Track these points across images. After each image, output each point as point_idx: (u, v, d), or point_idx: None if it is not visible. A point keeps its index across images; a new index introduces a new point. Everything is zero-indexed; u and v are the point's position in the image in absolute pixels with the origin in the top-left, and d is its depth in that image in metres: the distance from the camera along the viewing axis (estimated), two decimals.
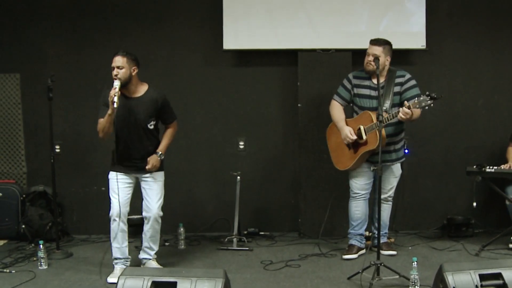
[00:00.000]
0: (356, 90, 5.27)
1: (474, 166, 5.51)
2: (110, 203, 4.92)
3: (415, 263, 4.37)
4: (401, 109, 4.80)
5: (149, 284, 3.56)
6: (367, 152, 5.12)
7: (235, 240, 5.86)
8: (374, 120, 4.93)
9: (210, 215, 6.45)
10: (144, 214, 5.06)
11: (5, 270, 5.06)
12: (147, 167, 4.90)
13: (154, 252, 5.12)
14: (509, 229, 5.55)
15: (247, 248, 5.80)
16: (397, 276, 4.57)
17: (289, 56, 6.22)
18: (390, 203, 5.50)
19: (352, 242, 5.45)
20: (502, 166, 5.58)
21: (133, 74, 4.83)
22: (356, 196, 5.39)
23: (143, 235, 5.09)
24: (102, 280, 4.84)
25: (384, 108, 4.99)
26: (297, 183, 6.33)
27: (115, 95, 4.60)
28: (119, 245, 4.93)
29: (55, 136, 5.79)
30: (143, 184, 5.03)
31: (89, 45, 6.34)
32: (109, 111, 4.66)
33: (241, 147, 6.45)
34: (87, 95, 6.15)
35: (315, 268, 5.15)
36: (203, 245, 6.02)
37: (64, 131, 6.37)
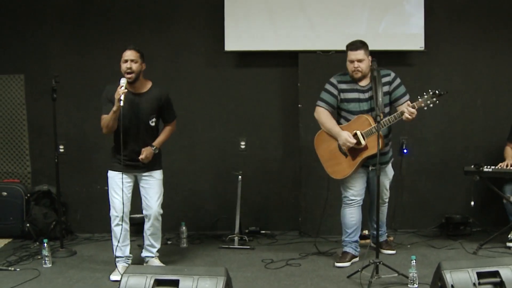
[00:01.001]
0: (343, 95, 5.06)
1: (472, 166, 5.50)
2: (110, 201, 4.94)
3: (414, 261, 4.41)
4: (405, 109, 4.68)
5: (152, 282, 3.51)
6: (367, 157, 4.95)
7: (236, 238, 5.87)
8: (373, 123, 4.81)
9: (211, 214, 6.46)
10: (144, 212, 5.06)
11: (10, 268, 5.07)
12: (140, 157, 4.87)
13: (156, 250, 5.13)
14: (506, 227, 5.54)
15: (248, 247, 5.81)
16: (396, 274, 4.58)
17: (290, 58, 6.24)
18: (386, 204, 5.44)
19: (347, 249, 5.22)
20: (499, 166, 5.57)
21: (142, 70, 4.87)
22: (351, 203, 5.16)
23: (144, 234, 5.10)
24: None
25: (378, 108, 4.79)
26: (297, 182, 6.35)
27: (122, 93, 4.62)
28: (121, 244, 4.94)
29: (59, 136, 5.83)
30: (142, 183, 5.02)
31: (92, 46, 6.37)
32: (114, 108, 4.67)
33: (242, 147, 6.47)
34: (90, 95, 6.14)
35: (315, 266, 5.15)
36: (205, 244, 6.03)
37: (68, 131, 6.39)
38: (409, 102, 4.75)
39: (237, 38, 6.16)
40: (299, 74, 6.21)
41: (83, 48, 6.39)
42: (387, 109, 5.00)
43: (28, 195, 6.27)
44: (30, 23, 6.39)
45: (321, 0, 6.14)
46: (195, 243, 6.06)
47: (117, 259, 4.97)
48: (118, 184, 4.89)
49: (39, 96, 6.34)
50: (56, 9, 6.38)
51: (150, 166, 4.97)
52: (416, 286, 4.41)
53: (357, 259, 5.21)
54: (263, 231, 6.34)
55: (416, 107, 4.67)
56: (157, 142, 5.02)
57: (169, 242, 6.03)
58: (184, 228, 5.97)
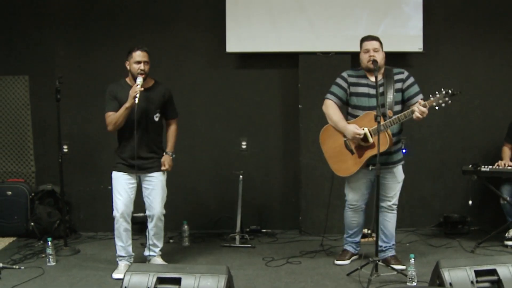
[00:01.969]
0: (352, 89, 4.86)
1: (470, 166, 5.51)
2: (114, 202, 4.95)
3: (413, 259, 4.41)
4: (416, 107, 4.45)
5: (154, 280, 3.54)
6: (374, 156, 4.61)
7: (237, 237, 5.89)
8: (382, 121, 4.54)
9: (213, 213, 6.49)
10: (147, 213, 5.08)
11: (14, 267, 5.08)
12: (163, 168, 4.99)
13: (159, 249, 5.14)
14: (503, 226, 5.57)
15: (249, 245, 5.83)
16: (395, 272, 4.61)
17: (290, 59, 6.26)
18: (395, 212, 5.04)
19: (347, 247, 5.21)
20: (496, 165, 5.57)
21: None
22: (353, 208, 5.07)
23: (147, 233, 5.10)
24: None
25: (388, 106, 4.70)
26: (297, 182, 6.36)
27: (139, 91, 4.69)
28: (123, 243, 4.97)
29: (63, 136, 5.85)
30: (145, 184, 5.03)
31: (96, 47, 6.40)
32: (127, 104, 4.72)
33: (244, 147, 6.50)
34: (94, 96, 6.15)
35: (315, 264, 5.16)
36: (206, 242, 6.05)
37: (71, 132, 6.40)
38: (420, 100, 4.51)
39: (238, 39, 6.19)
40: (300, 75, 6.23)
41: (86, 49, 6.42)
42: (399, 107, 4.80)
43: (32, 194, 6.29)
44: (34, 25, 6.42)
45: (321, 3, 6.17)
46: (197, 242, 6.07)
47: (119, 258, 5.00)
48: (122, 185, 4.91)
49: (43, 97, 6.37)
50: (60, 11, 6.41)
51: (153, 167, 5.00)
52: (415, 284, 4.38)
53: (356, 256, 5.19)
54: (264, 230, 6.36)
55: (428, 106, 4.43)
56: (170, 147, 5.11)
57: (171, 241, 6.04)
58: (186, 227, 5.98)
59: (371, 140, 4.69)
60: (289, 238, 6.17)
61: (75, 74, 6.37)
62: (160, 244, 5.16)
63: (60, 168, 5.70)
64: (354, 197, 5.03)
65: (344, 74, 4.94)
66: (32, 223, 6.09)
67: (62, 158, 5.71)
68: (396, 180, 4.96)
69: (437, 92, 4.46)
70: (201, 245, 5.97)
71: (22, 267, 5.11)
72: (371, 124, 4.67)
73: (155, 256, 5.15)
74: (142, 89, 4.75)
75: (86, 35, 6.42)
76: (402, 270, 4.71)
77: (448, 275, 3.56)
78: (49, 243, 5.25)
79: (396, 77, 4.84)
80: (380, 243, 4.91)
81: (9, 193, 6.22)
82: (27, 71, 6.49)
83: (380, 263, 4.59)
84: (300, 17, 6.19)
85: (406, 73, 4.89)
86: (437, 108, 4.47)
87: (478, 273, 3.58)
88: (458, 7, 6.32)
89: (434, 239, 5.96)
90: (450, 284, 3.52)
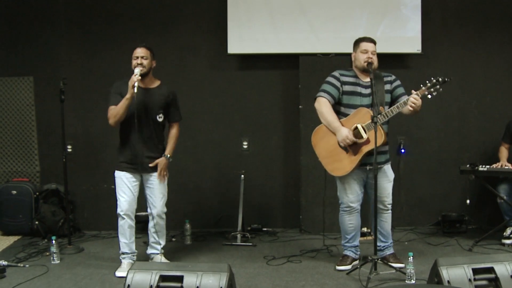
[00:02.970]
0: (344, 88, 4.84)
1: (468, 165, 5.55)
2: (118, 201, 4.98)
3: (411, 258, 4.45)
4: (410, 97, 4.49)
5: (157, 277, 3.55)
6: (368, 153, 4.67)
7: (239, 236, 5.93)
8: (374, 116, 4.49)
9: (215, 212, 6.52)
10: (149, 211, 5.10)
11: (19, 265, 5.11)
12: (157, 176, 5.00)
13: (161, 247, 5.17)
14: (501, 225, 5.60)
15: (250, 244, 5.87)
16: (394, 271, 4.65)
17: (291, 60, 6.29)
18: (390, 211, 5.08)
19: (347, 252, 5.09)
20: (494, 165, 5.62)
21: (152, 66, 4.98)
22: (349, 210, 5.00)
23: (149, 231, 5.15)
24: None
25: (380, 103, 4.68)
26: (298, 181, 6.39)
27: (136, 80, 4.73)
28: (127, 240, 4.99)
29: (67, 136, 5.86)
30: (147, 183, 5.06)
31: (100, 49, 6.44)
32: (128, 95, 4.75)
33: (245, 147, 6.53)
34: (98, 97, 6.20)
35: (316, 263, 5.19)
36: (208, 241, 6.08)
37: (75, 132, 6.44)
38: (413, 90, 4.52)
39: (240, 41, 6.23)
40: (300, 76, 6.26)
41: (90, 51, 6.46)
42: (386, 108, 4.75)
43: (37, 193, 6.33)
44: (39, 27, 6.45)
45: (322, 5, 6.21)
46: (199, 240, 6.10)
47: (123, 255, 5.03)
48: (125, 184, 4.94)
49: (48, 98, 6.41)
50: (65, 13, 6.44)
51: (156, 167, 5.02)
52: (414, 282, 4.41)
53: (357, 261, 5.06)
54: (265, 229, 6.40)
55: (420, 95, 4.46)
56: (169, 150, 5.10)
57: (173, 239, 6.07)
58: (188, 225, 6.01)
59: (365, 136, 4.68)
60: (289, 237, 6.20)
61: (79, 75, 6.40)
62: (162, 242, 5.19)
63: (64, 168, 5.73)
64: (350, 198, 4.98)
65: (336, 73, 4.93)
66: (37, 222, 6.13)
67: (66, 157, 5.72)
68: (388, 179, 5.00)
69: (427, 81, 4.49)
70: (203, 244, 5.99)
71: (27, 265, 5.14)
72: (364, 120, 4.69)
73: (157, 254, 5.18)
74: (140, 78, 4.79)
75: (90, 36, 6.46)
76: (401, 268, 4.73)
77: (446, 273, 3.58)
78: (53, 241, 5.29)
79: (385, 79, 4.90)
80: (378, 243, 4.91)
81: (14, 192, 6.26)
82: (31, 72, 6.52)
83: (379, 261, 4.64)
84: (301, 19, 6.23)
85: (393, 76, 4.96)
86: (429, 96, 4.49)
87: (475, 271, 3.60)
88: (455, 9, 6.35)
89: (432, 237, 5.99)
90: (448, 282, 3.54)
